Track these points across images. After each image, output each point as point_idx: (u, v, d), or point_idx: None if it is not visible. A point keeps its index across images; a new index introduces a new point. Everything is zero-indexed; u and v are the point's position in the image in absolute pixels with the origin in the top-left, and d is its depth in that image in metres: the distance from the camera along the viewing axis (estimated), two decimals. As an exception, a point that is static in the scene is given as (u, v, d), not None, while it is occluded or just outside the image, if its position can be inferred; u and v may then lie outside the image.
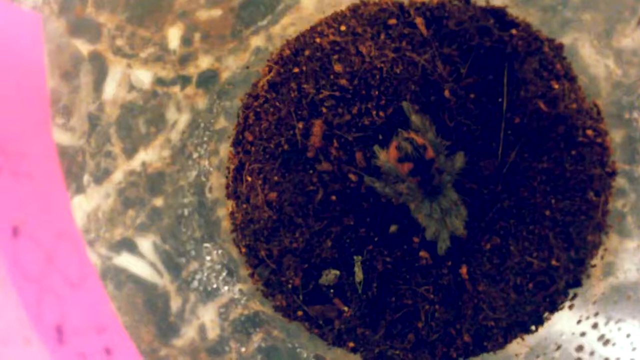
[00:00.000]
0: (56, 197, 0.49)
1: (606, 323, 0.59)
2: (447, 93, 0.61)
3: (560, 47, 0.63)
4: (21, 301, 0.40)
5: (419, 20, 0.63)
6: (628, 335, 0.58)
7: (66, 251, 0.47)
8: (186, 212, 0.63)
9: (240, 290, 0.64)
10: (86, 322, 0.47)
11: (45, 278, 0.43)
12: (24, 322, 0.40)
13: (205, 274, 0.63)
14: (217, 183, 0.66)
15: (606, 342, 0.59)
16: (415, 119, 0.58)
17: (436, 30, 0.63)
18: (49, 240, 0.45)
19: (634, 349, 0.57)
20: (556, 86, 0.61)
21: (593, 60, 0.63)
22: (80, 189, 0.60)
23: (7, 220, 0.41)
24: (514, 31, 0.62)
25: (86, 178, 0.60)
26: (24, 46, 0.51)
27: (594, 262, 0.62)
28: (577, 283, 0.62)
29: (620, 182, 0.63)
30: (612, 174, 0.62)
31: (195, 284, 0.62)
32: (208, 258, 0.63)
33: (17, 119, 0.48)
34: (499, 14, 0.63)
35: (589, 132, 0.61)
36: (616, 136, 0.63)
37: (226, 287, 0.63)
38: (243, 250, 0.64)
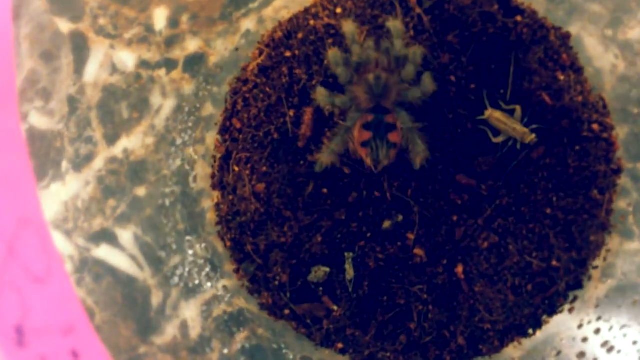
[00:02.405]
0: (20, 182, 0.48)
1: (610, 329, 0.59)
2: (453, 78, 0.62)
3: (567, 36, 0.63)
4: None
5: (418, 4, 0.63)
6: (634, 343, 0.58)
7: (30, 241, 0.46)
8: (167, 202, 0.63)
9: (225, 287, 0.64)
10: (51, 321, 0.46)
11: (5, 271, 0.42)
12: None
13: (187, 269, 0.63)
14: (202, 173, 0.65)
15: (610, 349, 0.59)
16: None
17: (437, 16, 0.63)
18: (10, 228, 0.44)
19: (640, 357, 0.57)
20: (561, 77, 0.61)
21: (598, 52, 0.63)
22: (58, 176, 0.60)
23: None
24: (519, 18, 0.62)
25: (64, 165, 0.60)
26: None
27: (596, 263, 0.62)
28: (578, 285, 0.62)
29: (622, 180, 0.63)
30: (618, 171, 0.62)
31: (176, 280, 0.62)
32: (190, 252, 0.63)
33: None
34: (503, -1, 0.63)
35: (595, 126, 0.61)
36: (620, 132, 0.63)
37: (209, 284, 0.63)
38: (228, 244, 0.64)
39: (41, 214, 0.51)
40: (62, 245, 0.59)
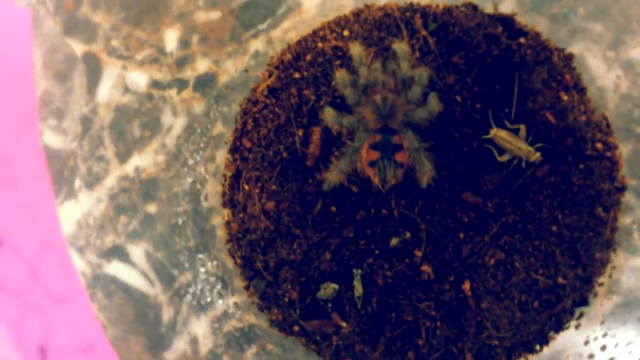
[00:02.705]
0: (42, 205, 0.48)
1: (616, 345, 0.59)
2: (458, 98, 0.62)
3: (570, 57, 0.64)
4: (1, 319, 0.39)
5: (424, 27, 0.63)
6: (639, 360, 0.58)
7: (51, 263, 0.46)
8: (180, 221, 0.63)
9: (235, 304, 0.64)
10: (71, 341, 0.46)
11: (29, 293, 0.42)
12: (4, 342, 0.39)
13: (199, 287, 0.63)
14: (212, 191, 0.66)
15: (616, 365, 0.59)
16: None
17: (442, 38, 0.63)
18: (33, 251, 0.44)
19: (645, 373, 0.57)
20: (565, 97, 0.62)
21: (601, 72, 0.63)
22: (71, 194, 0.60)
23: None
24: (522, 40, 0.63)
25: (77, 183, 0.61)
26: (11, 42, 0.50)
27: (601, 280, 0.62)
28: (584, 302, 0.62)
29: (626, 197, 0.63)
30: (622, 189, 0.62)
31: (189, 297, 0.62)
32: (202, 270, 0.63)
33: (1, 120, 0.48)
34: (507, 21, 0.64)
35: (598, 145, 0.61)
36: (623, 150, 0.63)
37: (220, 301, 0.63)
38: (238, 261, 0.64)
39: (62, 235, 0.51)
40: (75, 261, 0.59)
